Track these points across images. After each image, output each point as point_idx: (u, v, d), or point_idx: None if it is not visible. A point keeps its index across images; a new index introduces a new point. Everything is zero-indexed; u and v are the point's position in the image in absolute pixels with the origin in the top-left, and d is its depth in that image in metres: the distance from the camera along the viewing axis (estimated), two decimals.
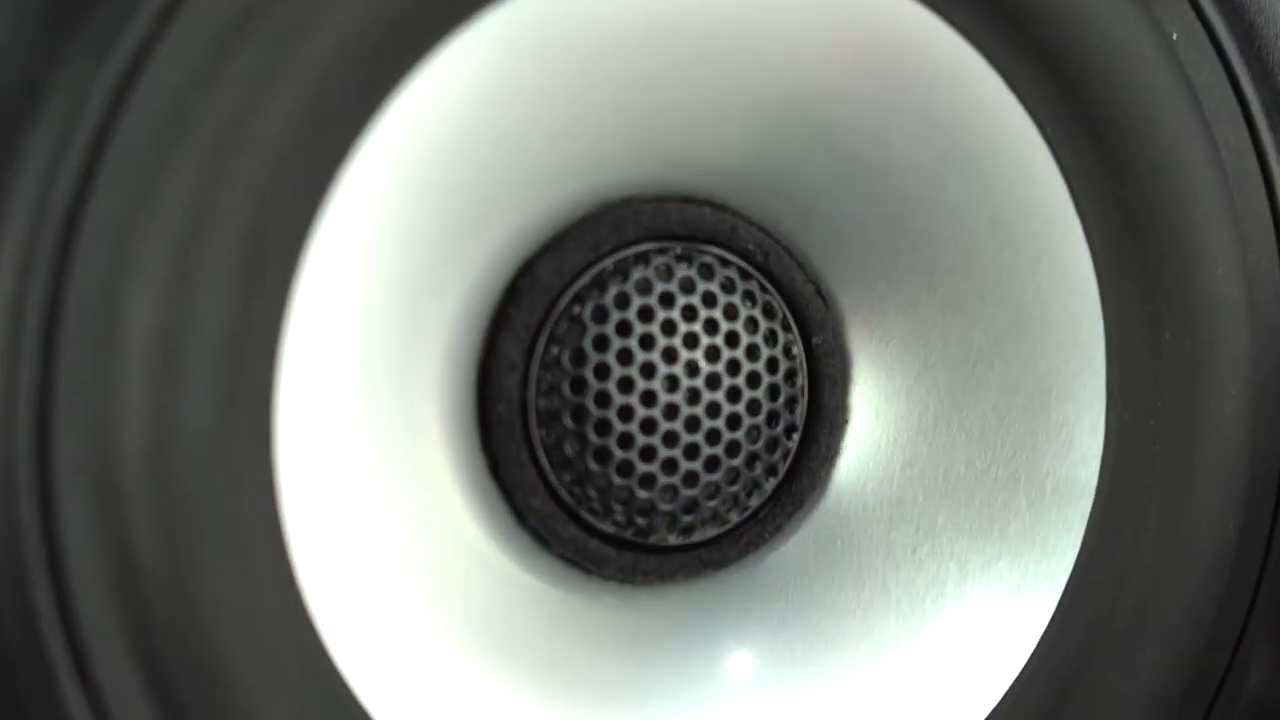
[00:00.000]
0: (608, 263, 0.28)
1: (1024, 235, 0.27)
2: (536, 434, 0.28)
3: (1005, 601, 0.28)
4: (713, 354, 0.28)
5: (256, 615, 0.23)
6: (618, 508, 0.28)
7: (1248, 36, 0.27)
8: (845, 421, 0.30)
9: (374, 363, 0.26)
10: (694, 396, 0.28)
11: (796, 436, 0.29)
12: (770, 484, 0.29)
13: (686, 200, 0.29)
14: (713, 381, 0.28)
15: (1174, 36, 0.27)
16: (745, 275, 0.29)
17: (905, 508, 0.29)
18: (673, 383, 0.28)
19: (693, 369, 0.28)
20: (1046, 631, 0.27)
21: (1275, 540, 0.27)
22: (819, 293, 0.29)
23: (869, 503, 0.29)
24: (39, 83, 0.21)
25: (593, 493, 0.28)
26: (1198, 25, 0.27)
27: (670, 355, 0.28)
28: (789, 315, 0.29)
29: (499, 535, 0.28)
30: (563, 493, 0.28)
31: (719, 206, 0.29)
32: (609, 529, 0.29)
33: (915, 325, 0.29)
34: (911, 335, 0.29)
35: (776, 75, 0.27)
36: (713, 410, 0.28)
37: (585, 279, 0.28)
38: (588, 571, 0.29)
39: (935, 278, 0.28)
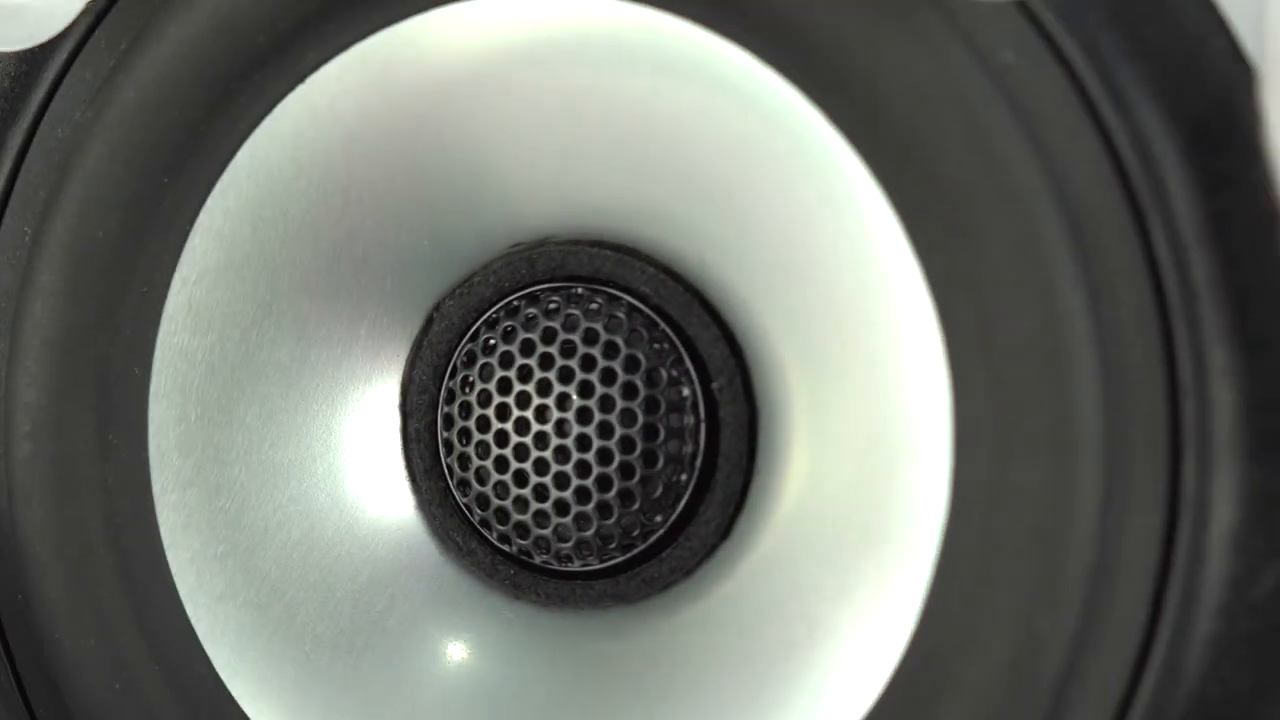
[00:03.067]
0: (513, 299, 0.30)
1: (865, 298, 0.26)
2: (442, 451, 0.31)
3: (849, 666, 0.27)
4: (585, 389, 0.29)
5: None
6: (499, 526, 0.30)
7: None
8: (748, 469, 0.29)
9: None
10: (562, 428, 0.29)
11: (686, 479, 0.29)
12: (657, 522, 0.29)
13: (597, 244, 0.30)
14: (582, 415, 0.29)
15: (1009, 61, 0.24)
16: (634, 314, 0.29)
17: (783, 564, 0.28)
18: (542, 412, 0.29)
19: (563, 402, 0.29)
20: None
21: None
22: (726, 339, 0.29)
23: (767, 555, 0.28)
24: None
25: (480, 510, 0.30)
26: (1041, 45, 0.24)
27: (545, 387, 0.29)
28: (687, 358, 0.29)
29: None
30: (461, 507, 0.31)
31: (628, 250, 0.30)
32: (501, 546, 0.30)
33: (811, 381, 0.28)
34: (811, 391, 0.28)
35: (656, 133, 0.28)
36: (582, 443, 0.29)
37: (490, 314, 0.30)
38: (485, 581, 0.31)
39: (814, 339, 0.28)
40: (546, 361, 0.29)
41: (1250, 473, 0.23)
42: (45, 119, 0.30)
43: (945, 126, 0.24)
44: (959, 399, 0.25)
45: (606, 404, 0.29)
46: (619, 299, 0.29)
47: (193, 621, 0.29)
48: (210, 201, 0.29)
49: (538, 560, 0.30)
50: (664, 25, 0.27)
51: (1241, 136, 0.23)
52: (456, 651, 0.30)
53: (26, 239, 0.30)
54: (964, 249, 0.24)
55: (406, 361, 0.31)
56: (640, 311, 0.29)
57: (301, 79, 0.29)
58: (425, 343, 0.31)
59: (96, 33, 0.29)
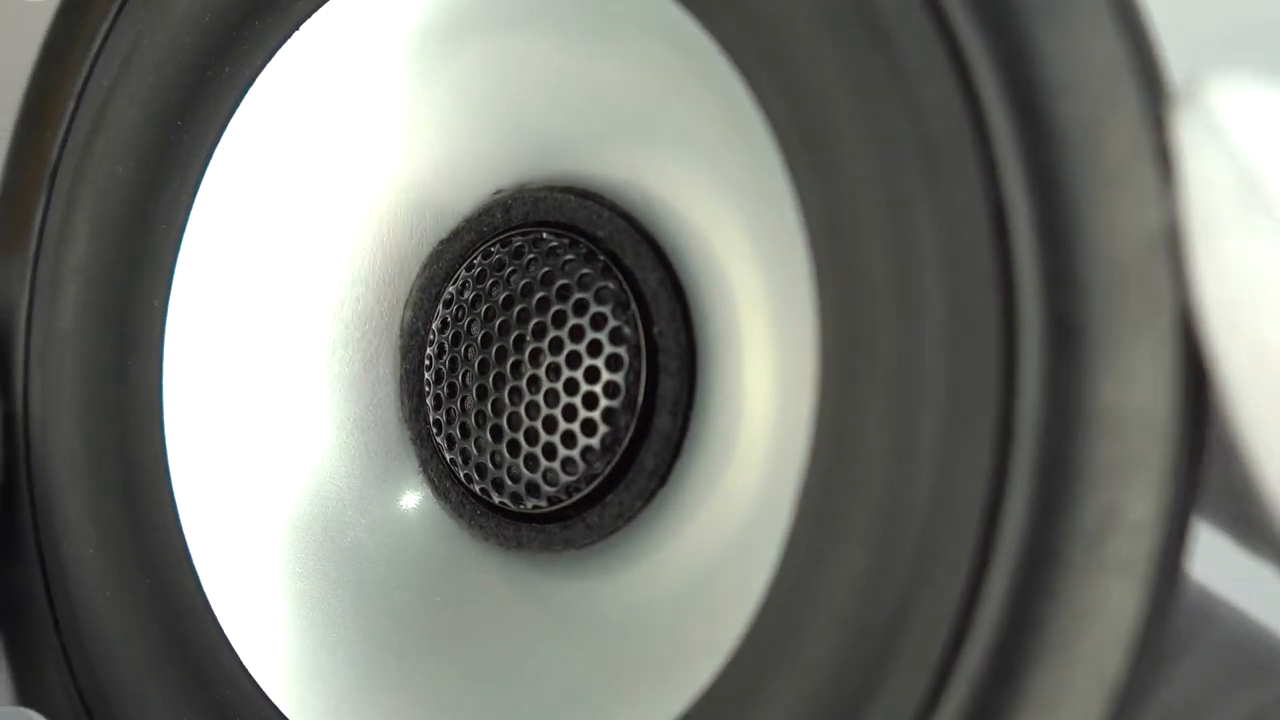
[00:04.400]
0: (490, 244, 0.30)
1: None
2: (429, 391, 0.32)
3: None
4: (539, 331, 0.29)
5: None
6: (463, 467, 0.30)
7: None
8: (685, 416, 0.29)
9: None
10: (517, 369, 0.29)
11: (626, 423, 0.29)
12: (598, 467, 0.29)
13: (567, 190, 0.30)
14: (535, 357, 0.29)
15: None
16: (591, 259, 0.29)
17: (715, 507, 0.28)
18: (501, 354, 0.30)
19: (519, 344, 0.29)
20: None
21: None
22: (672, 284, 0.29)
23: (700, 499, 0.28)
24: None
25: (448, 450, 0.31)
26: (936, 39, 0.23)
27: (504, 329, 0.30)
28: (633, 302, 0.29)
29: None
30: (441, 445, 0.32)
31: (594, 196, 0.30)
32: (468, 486, 0.31)
33: (737, 330, 0.28)
34: (738, 339, 0.28)
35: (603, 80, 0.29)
36: (532, 384, 0.29)
37: (470, 259, 0.31)
38: (455, 520, 0.32)
39: (738, 289, 0.28)
40: (508, 303, 0.30)
41: None
42: (94, 70, 0.32)
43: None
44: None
45: (555, 346, 0.29)
46: (578, 243, 0.30)
47: (187, 539, 0.31)
48: (220, 146, 0.31)
49: (496, 501, 0.30)
50: None
51: None
52: (421, 582, 0.31)
53: (69, 182, 0.32)
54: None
55: (404, 305, 0.32)
56: (596, 256, 0.29)
57: (296, 25, 0.30)
58: (416, 287, 0.32)
59: None
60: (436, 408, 0.31)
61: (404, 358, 0.32)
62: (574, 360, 0.29)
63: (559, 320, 0.29)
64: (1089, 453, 0.22)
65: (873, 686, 0.23)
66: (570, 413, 0.29)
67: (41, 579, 0.32)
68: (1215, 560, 0.32)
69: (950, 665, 0.22)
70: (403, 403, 0.32)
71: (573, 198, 0.30)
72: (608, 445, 0.29)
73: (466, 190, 0.31)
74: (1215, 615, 0.32)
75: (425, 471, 0.32)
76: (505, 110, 0.30)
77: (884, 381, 0.23)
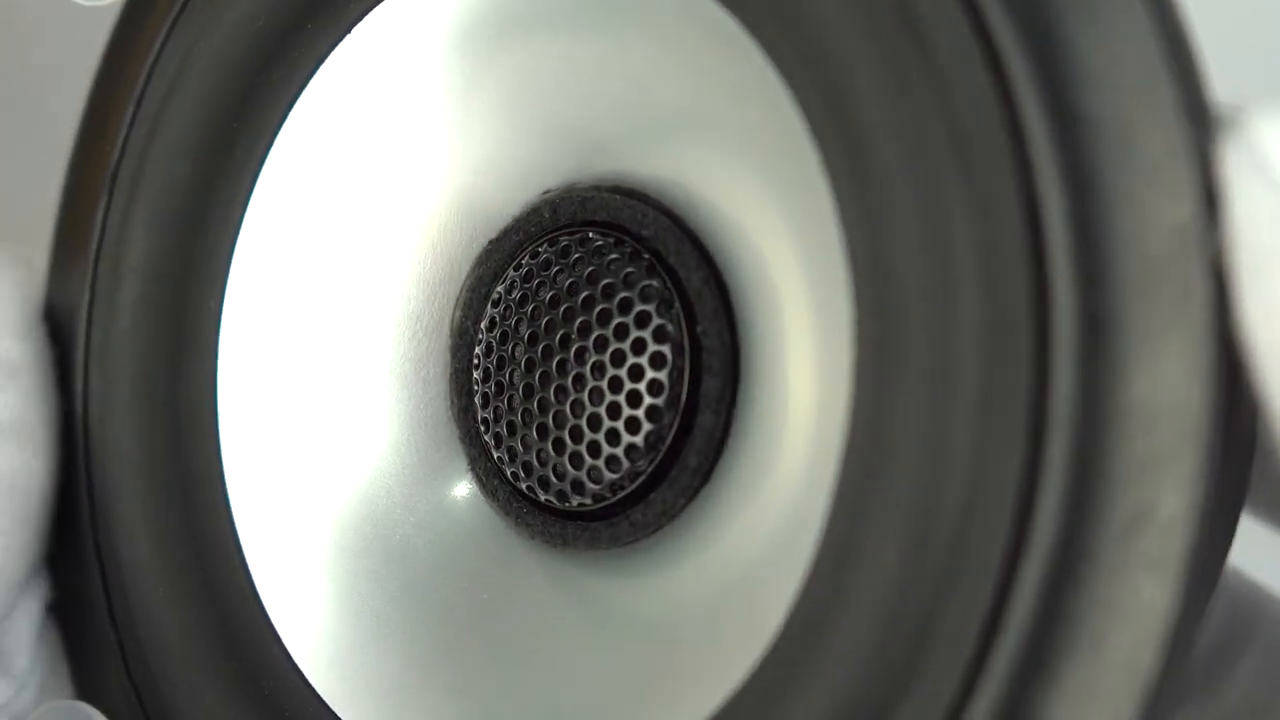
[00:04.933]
0: (538, 244, 0.31)
1: None
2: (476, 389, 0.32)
3: None
4: (584, 329, 0.30)
5: None
6: (510, 465, 0.31)
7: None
8: (729, 414, 0.29)
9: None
10: (562, 367, 0.30)
11: (670, 421, 0.29)
12: (642, 464, 0.29)
13: (614, 190, 0.31)
14: (580, 355, 0.29)
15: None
16: (636, 257, 0.30)
17: (756, 508, 0.28)
18: (547, 351, 0.30)
19: (565, 341, 0.30)
20: None
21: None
22: (719, 284, 0.29)
23: (744, 498, 0.29)
24: None
25: (496, 448, 0.31)
26: (970, 35, 0.23)
27: (550, 327, 0.30)
28: (677, 300, 0.29)
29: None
30: (489, 443, 0.32)
31: (639, 195, 0.30)
32: (514, 484, 0.31)
33: (779, 327, 0.28)
34: (780, 336, 0.28)
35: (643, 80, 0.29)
36: (577, 381, 0.29)
37: (519, 259, 0.31)
38: (503, 518, 0.32)
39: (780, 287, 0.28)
40: (554, 302, 0.30)
41: None
42: (153, 75, 0.33)
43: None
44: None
45: (600, 344, 0.29)
46: (624, 242, 0.30)
47: (240, 537, 0.31)
48: (274, 150, 0.31)
49: (542, 499, 0.30)
50: None
51: None
52: (468, 579, 0.31)
53: (128, 185, 0.33)
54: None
55: (454, 305, 0.32)
56: (641, 255, 0.29)
57: (348, 29, 0.31)
58: (466, 286, 0.32)
59: None
60: (484, 406, 0.31)
61: (454, 357, 0.32)
62: (618, 358, 0.29)
63: (604, 319, 0.29)
64: (1121, 449, 0.22)
65: (906, 682, 0.23)
66: (614, 410, 0.29)
67: (99, 577, 0.33)
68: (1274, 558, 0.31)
69: (983, 661, 0.22)
70: (452, 401, 0.32)
71: (618, 197, 0.30)
72: (651, 443, 0.29)
73: (515, 191, 0.32)
74: (1272, 614, 0.31)
75: (473, 469, 0.32)
76: (552, 109, 0.31)
77: (917, 378, 0.23)
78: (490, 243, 0.32)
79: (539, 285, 0.30)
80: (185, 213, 0.32)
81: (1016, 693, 0.22)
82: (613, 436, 0.29)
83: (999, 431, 0.22)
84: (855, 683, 0.24)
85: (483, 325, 0.32)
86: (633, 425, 0.29)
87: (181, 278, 0.32)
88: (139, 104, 0.33)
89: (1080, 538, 0.22)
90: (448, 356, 0.33)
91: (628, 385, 0.29)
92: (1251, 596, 0.31)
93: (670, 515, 0.29)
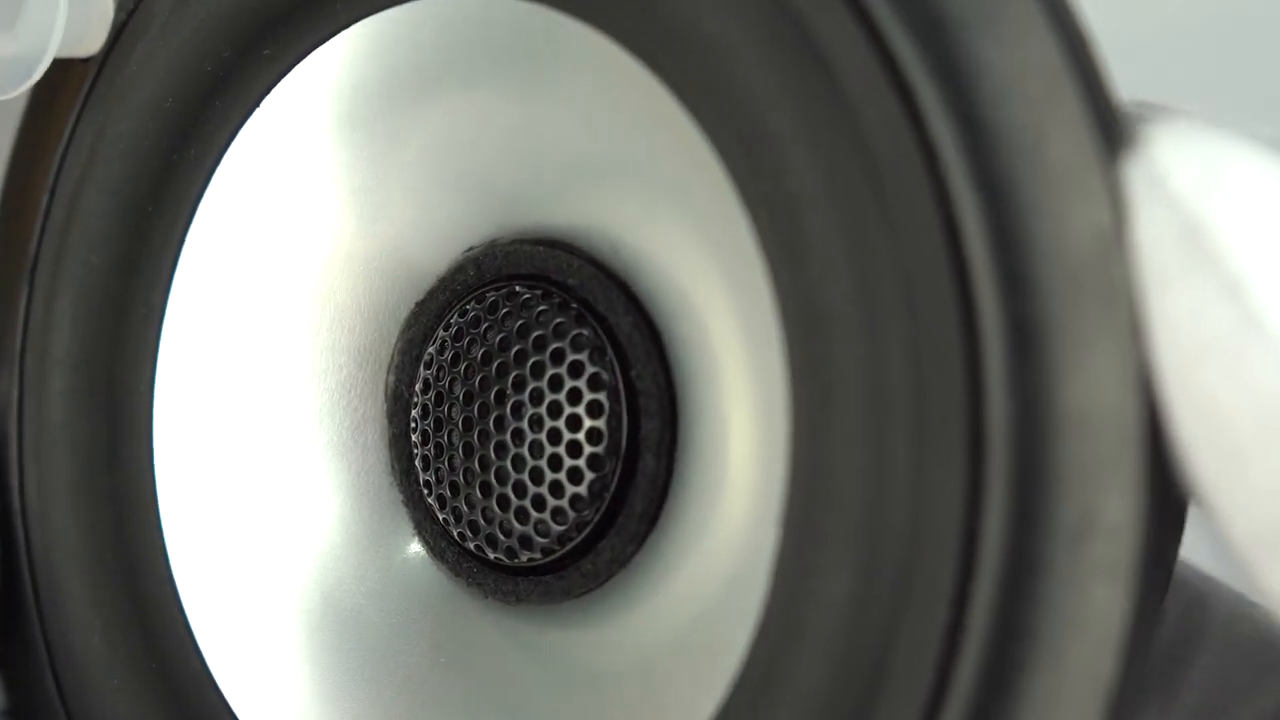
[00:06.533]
0: (466, 302, 0.30)
1: None
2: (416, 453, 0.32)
3: None
4: (518, 384, 0.29)
5: None
6: (456, 526, 0.30)
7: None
8: (670, 456, 0.29)
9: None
10: (500, 424, 0.29)
11: (611, 469, 0.29)
12: (588, 514, 0.29)
13: (537, 242, 0.30)
14: (516, 410, 0.29)
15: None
16: (565, 308, 0.29)
17: (705, 546, 0.28)
18: (484, 409, 0.30)
19: (500, 398, 0.29)
20: None
21: None
22: (650, 326, 0.29)
23: (691, 538, 0.28)
24: None
25: (440, 510, 0.31)
26: (875, 60, 0.23)
27: (485, 384, 0.30)
28: (609, 347, 0.29)
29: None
30: (433, 505, 0.32)
31: (564, 246, 0.30)
32: (463, 544, 0.31)
33: (712, 366, 0.28)
34: (712, 375, 0.28)
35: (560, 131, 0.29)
36: (516, 437, 0.29)
37: (447, 318, 0.31)
38: (452, 580, 0.32)
39: (709, 326, 0.28)
40: (487, 359, 0.30)
41: None
42: (64, 163, 0.33)
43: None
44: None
45: (536, 397, 0.29)
46: (551, 293, 0.30)
47: (190, 621, 0.31)
48: (193, 228, 0.31)
49: (491, 557, 0.30)
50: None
51: None
52: (425, 645, 0.31)
53: (48, 276, 0.32)
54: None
55: (387, 369, 0.32)
56: (569, 305, 0.29)
57: (257, 102, 0.31)
58: (397, 350, 0.32)
59: None
60: (425, 469, 0.31)
61: (391, 422, 0.32)
62: (555, 410, 0.29)
63: (538, 371, 0.29)
64: (1061, 458, 0.22)
65: (867, 711, 0.23)
66: (556, 462, 0.29)
67: (50, 672, 0.32)
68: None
69: (944, 684, 0.22)
70: (393, 466, 0.32)
71: (542, 249, 0.30)
72: (595, 491, 0.29)
73: (438, 250, 0.31)
74: (1228, 611, 0.31)
75: (420, 533, 0.32)
76: (471, 168, 0.30)
77: (853, 405, 0.23)
78: (417, 304, 0.32)
79: (470, 343, 0.30)
80: (108, 299, 0.32)
81: (979, 714, 0.22)
82: (556, 488, 0.29)
83: (938, 450, 0.22)
84: (818, 716, 0.23)
85: (417, 388, 0.31)
86: (575, 475, 0.29)
87: (109, 365, 0.32)
88: (53, 191, 0.33)
89: (1029, 550, 0.22)
90: (384, 422, 0.32)
91: (567, 436, 0.29)
92: (1202, 589, 0.31)
93: (621, 563, 0.29)
